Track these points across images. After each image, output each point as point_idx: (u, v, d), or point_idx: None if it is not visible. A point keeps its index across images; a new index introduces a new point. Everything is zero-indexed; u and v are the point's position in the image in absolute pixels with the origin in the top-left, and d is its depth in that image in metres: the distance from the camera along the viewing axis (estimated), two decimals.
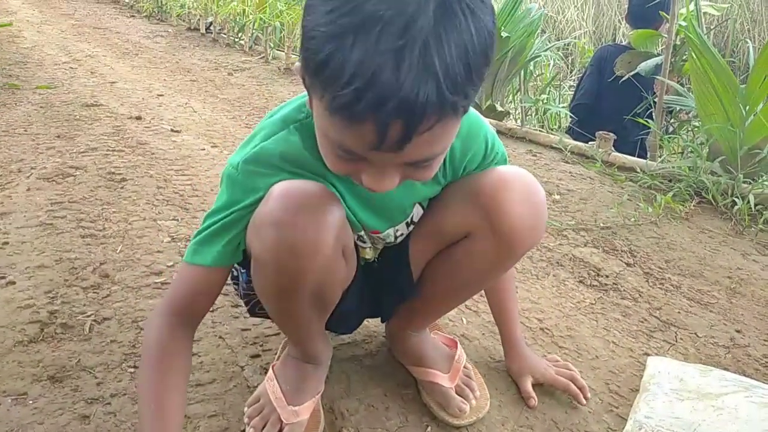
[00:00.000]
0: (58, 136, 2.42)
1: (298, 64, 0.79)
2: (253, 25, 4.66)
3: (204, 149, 2.47)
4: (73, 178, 2.01)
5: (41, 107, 2.80)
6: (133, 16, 5.98)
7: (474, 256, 0.99)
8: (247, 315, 1.31)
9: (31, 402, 1.07)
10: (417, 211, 1.05)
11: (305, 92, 0.78)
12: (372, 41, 0.61)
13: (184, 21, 5.69)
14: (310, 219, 0.82)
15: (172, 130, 2.67)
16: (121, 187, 1.99)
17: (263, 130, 0.91)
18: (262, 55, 4.50)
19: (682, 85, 2.93)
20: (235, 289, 1.16)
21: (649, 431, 1.10)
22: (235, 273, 1.11)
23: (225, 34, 5.16)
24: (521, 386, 1.21)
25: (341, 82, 0.62)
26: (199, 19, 5.43)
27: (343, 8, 0.62)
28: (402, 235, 1.06)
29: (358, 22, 0.61)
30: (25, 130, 2.45)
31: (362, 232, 1.01)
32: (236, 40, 5.00)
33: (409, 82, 0.61)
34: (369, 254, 1.07)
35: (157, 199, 1.93)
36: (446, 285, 1.07)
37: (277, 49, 4.69)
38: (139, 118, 2.79)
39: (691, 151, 2.60)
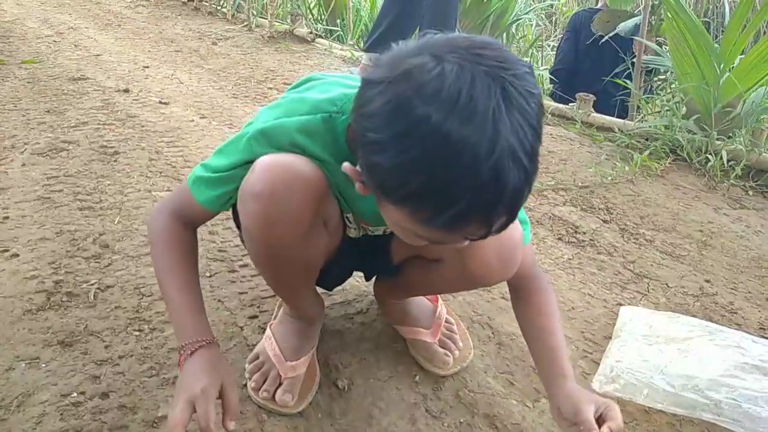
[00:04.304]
0: (48, 111, 2.44)
1: (363, 62, 0.80)
2: None
3: (193, 120, 2.51)
4: (67, 153, 2.06)
5: (28, 82, 2.81)
6: None
7: (446, 276, 1.06)
8: (244, 279, 1.39)
9: (43, 365, 1.14)
10: None
11: (334, 75, 0.95)
12: (467, 164, 0.63)
13: None
14: (287, 193, 0.84)
15: (160, 102, 2.70)
16: (114, 160, 2.04)
17: (292, 104, 0.91)
18: (245, 23, 4.49)
19: (660, 45, 2.99)
20: (239, 234, 1.21)
21: (620, 373, 1.20)
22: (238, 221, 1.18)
23: (207, 2, 5.11)
24: (582, 416, 0.89)
25: (448, 202, 0.65)
26: None
27: (425, 141, 0.64)
28: (392, 232, 1.11)
29: (450, 152, 0.63)
30: (15, 106, 2.47)
31: (350, 215, 1.04)
32: (218, 8, 4.97)
33: (512, 184, 0.65)
34: (353, 234, 1.10)
35: (150, 171, 1.98)
36: (421, 284, 1.17)
37: (260, 17, 4.67)
38: (126, 90, 2.81)
39: (668, 110, 2.66)
